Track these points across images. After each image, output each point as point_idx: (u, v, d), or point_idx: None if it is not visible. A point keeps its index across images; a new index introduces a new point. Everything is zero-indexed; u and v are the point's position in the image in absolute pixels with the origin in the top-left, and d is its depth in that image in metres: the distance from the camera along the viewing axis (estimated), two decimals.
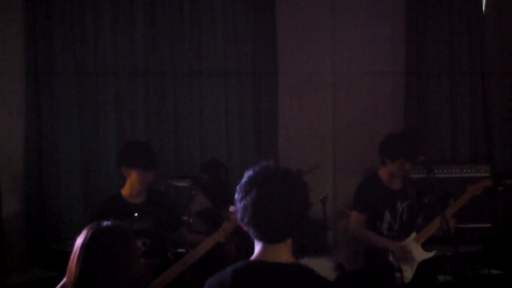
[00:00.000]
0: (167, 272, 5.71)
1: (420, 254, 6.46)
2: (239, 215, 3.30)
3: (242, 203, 3.26)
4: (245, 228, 3.30)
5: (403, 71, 8.97)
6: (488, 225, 8.20)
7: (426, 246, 6.50)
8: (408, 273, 6.37)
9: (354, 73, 8.83)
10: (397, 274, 6.29)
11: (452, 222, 6.38)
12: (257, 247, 3.32)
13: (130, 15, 8.21)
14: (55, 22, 7.97)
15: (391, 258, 6.43)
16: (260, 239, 3.29)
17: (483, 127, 9.08)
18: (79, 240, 3.34)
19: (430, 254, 6.47)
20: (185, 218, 6.79)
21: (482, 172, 7.92)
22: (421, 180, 7.26)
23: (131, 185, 6.02)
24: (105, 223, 3.44)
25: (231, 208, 5.66)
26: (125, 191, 6.07)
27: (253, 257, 3.32)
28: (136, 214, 6.02)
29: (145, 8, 8.21)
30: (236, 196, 3.33)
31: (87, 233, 3.36)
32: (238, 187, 3.34)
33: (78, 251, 3.30)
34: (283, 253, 3.28)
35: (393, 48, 8.96)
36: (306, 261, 5.12)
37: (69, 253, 7.14)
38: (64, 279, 3.45)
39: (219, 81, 8.55)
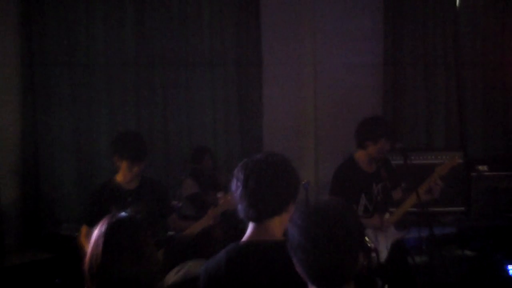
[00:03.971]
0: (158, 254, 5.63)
1: (393, 234, 6.46)
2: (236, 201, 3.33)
3: (234, 184, 3.30)
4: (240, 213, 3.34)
5: (381, 62, 9.07)
6: (462, 208, 8.33)
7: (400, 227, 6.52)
8: (383, 253, 6.35)
9: (334, 64, 8.88)
10: (373, 254, 6.17)
11: (427, 196, 6.39)
12: (249, 228, 3.34)
13: (121, 8, 8.27)
14: (49, 14, 8.00)
15: (366, 239, 6.35)
16: (249, 216, 3.29)
17: (457, 115, 9.24)
18: (97, 231, 3.21)
19: (402, 234, 6.49)
20: (175, 202, 6.89)
21: (456, 159, 7.88)
22: (398, 167, 7.15)
23: (123, 173, 6.01)
24: (121, 214, 3.28)
25: (219, 194, 5.80)
26: (119, 177, 6.05)
27: (245, 237, 3.32)
28: (129, 199, 6.00)
29: (135, 2, 8.27)
30: (231, 183, 3.33)
31: (106, 224, 3.22)
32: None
33: (97, 242, 3.17)
34: (273, 231, 3.28)
35: (371, 40, 9.06)
36: None
37: (63, 236, 7.17)
38: None
39: (206, 71, 8.61)
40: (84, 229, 5.70)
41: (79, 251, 5.46)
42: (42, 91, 8.02)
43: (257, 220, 3.30)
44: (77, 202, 8.04)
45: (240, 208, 3.31)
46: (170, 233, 6.54)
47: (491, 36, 9.31)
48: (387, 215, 6.47)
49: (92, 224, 3.45)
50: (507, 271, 7.07)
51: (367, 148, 6.53)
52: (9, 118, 7.93)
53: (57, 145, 8.10)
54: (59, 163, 8.11)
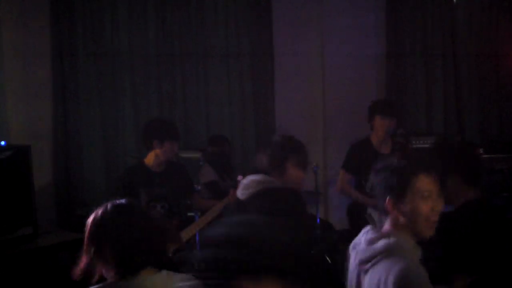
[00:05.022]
0: (183, 232, 5.99)
1: None
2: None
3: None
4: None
5: (384, 55, 9.27)
6: None
7: None
8: None
9: (341, 56, 9.07)
10: None
11: None
12: None
13: (143, 3, 8.44)
14: (76, 9, 8.16)
15: (368, 214, 6.71)
16: None
17: (454, 103, 9.44)
18: (89, 219, 3.35)
19: None
20: (195, 186, 7.00)
21: None
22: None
23: (156, 156, 6.30)
24: (115, 201, 3.39)
25: (239, 178, 5.89)
26: (148, 161, 6.35)
27: None
28: (157, 181, 6.32)
29: None
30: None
31: (97, 212, 3.36)
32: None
33: (89, 229, 3.32)
34: None
35: (375, 35, 9.27)
36: None
37: None
38: None
39: (221, 64, 8.79)
40: None
41: None
42: (71, 81, 8.13)
43: None
44: (104, 187, 8.18)
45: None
46: (190, 214, 6.64)
47: (486, 30, 9.47)
48: None
49: None
50: None
51: (372, 129, 7.03)
52: (41, 108, 8.06)
53: (86, 133, 8.21)
54: (88, 150, 8.23)
